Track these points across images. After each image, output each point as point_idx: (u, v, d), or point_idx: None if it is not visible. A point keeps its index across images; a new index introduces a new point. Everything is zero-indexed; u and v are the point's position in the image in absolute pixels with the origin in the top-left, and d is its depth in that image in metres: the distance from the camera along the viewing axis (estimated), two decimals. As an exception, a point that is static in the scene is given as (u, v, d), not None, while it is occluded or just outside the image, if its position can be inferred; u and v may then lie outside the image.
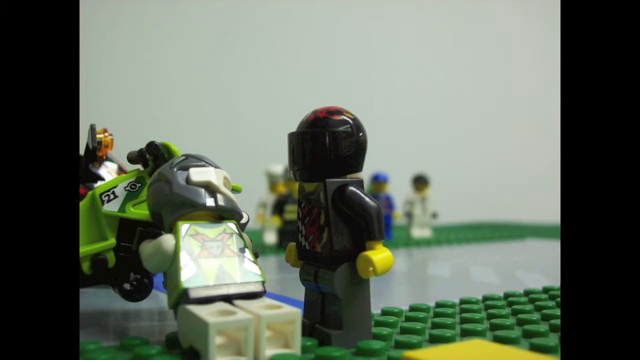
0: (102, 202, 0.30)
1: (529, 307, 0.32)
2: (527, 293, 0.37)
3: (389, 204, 0.79)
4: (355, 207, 0.25)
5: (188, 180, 0.26)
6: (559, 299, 0.34)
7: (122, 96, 0.99)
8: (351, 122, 0.26)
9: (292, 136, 0.27)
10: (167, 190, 0.26)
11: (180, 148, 0.30)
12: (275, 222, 0.68)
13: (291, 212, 0.66)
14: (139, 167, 0.32)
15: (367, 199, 0.25)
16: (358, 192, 0.25)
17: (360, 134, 0.26)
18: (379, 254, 0.25)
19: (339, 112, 0.26)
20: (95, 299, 0.37)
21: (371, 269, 0.24)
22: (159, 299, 0.37)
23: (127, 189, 0.31)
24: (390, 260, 0.25)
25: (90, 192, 0.31)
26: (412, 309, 0.32)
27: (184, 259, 0.24)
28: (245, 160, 0.93)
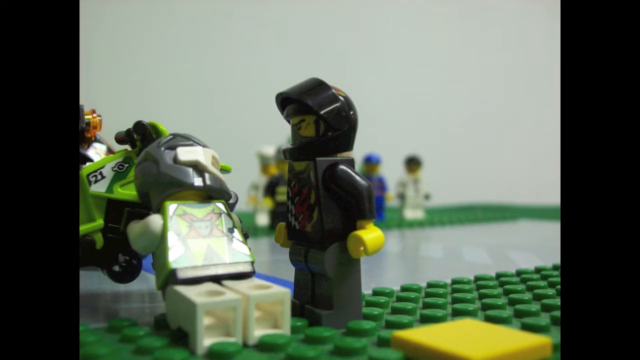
0: (90, 182, 0.30)
1: (521, 287, 0.32)
2: (518, 273, 0.37)
3: (381, 185, 0.79)
4: (345, 185, 0.25)
5: (176, 159, 0.25)
6: (550, 279, 0.34)
7: (110, 77, 0.98)
8: (342, 100, 0.26)
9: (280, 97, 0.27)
10: (154, 169, 0.25)
11: (168, 128, 0.30)
12: (267, 203, 0.67)
13: (283, 193, 0.66)
14: (127, 147, 0.32)
15: (357, 177, 0.25)
16: (349, 170, 0.25)
17: (352, 112, 0.26)
18: (369, 233, 0.24)
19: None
20: (86, 281, 0.37)
21: (362, 248, 0.24)
22: (149, 280, 0.37)
23: (114, 169, 0.30)
24: (381, 240, 0.24)
25: (77, 173, 0.30)
26: (404, 289, 0.32)
27: (172, 239, 0.24)
28: (237, 142, 0.92)
